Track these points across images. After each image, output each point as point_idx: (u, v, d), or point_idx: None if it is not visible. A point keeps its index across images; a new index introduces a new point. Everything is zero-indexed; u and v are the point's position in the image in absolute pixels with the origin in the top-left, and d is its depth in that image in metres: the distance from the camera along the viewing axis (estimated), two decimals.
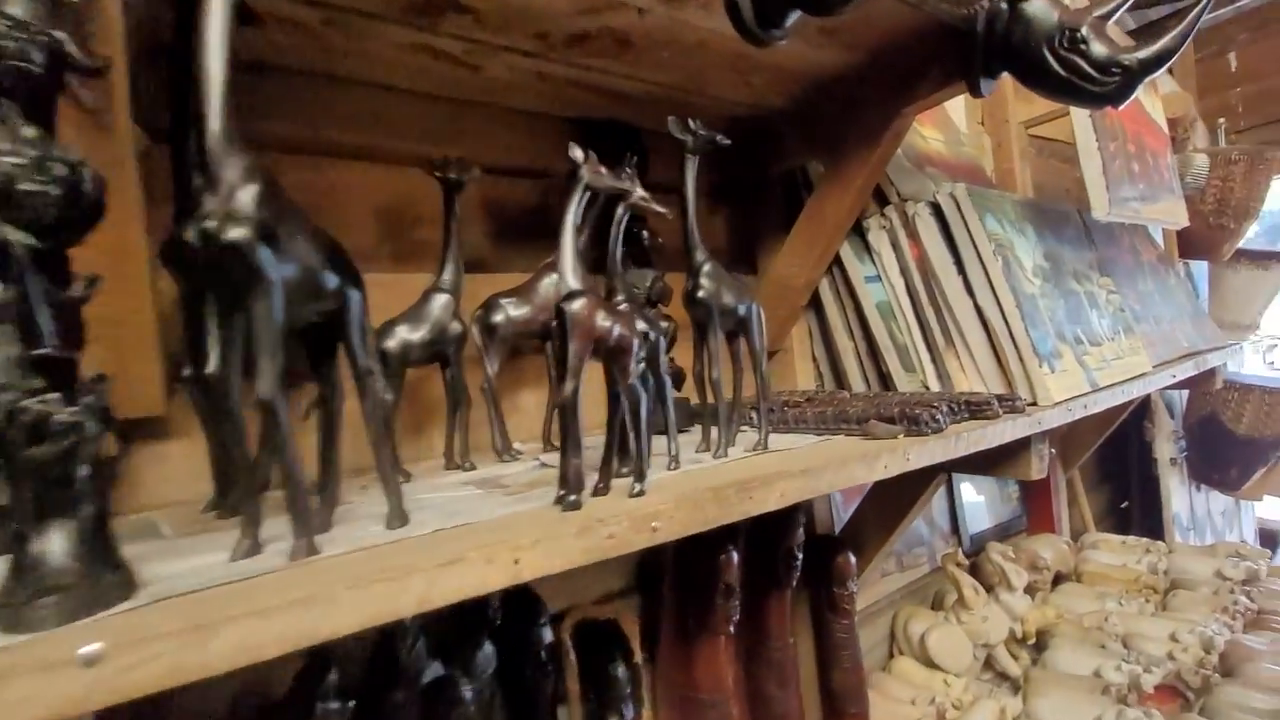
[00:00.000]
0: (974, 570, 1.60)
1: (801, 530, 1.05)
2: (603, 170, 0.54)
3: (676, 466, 0.66)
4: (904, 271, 1.09)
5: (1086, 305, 1.16)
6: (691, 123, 0.75)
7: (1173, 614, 1.53)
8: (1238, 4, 2.45)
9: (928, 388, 1.07)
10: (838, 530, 1.29)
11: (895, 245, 1.10)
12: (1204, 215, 1.62)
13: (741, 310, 0.77)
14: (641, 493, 0.52)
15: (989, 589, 1.47)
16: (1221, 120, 2.38)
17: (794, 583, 1.05)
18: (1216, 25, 2.51)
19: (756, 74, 0.99)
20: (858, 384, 1.18)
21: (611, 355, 0.52)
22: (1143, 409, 2.05)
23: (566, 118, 1.04)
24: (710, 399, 0.74)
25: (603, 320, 0.51)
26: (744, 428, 0.94)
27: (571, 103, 1.00)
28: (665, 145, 1.18)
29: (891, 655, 1.43)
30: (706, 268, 0.76)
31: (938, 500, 1.61)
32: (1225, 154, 1.61)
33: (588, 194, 0.54)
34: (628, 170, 0.85)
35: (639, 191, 0.66)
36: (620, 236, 0.67)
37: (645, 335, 0.67)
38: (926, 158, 1.30)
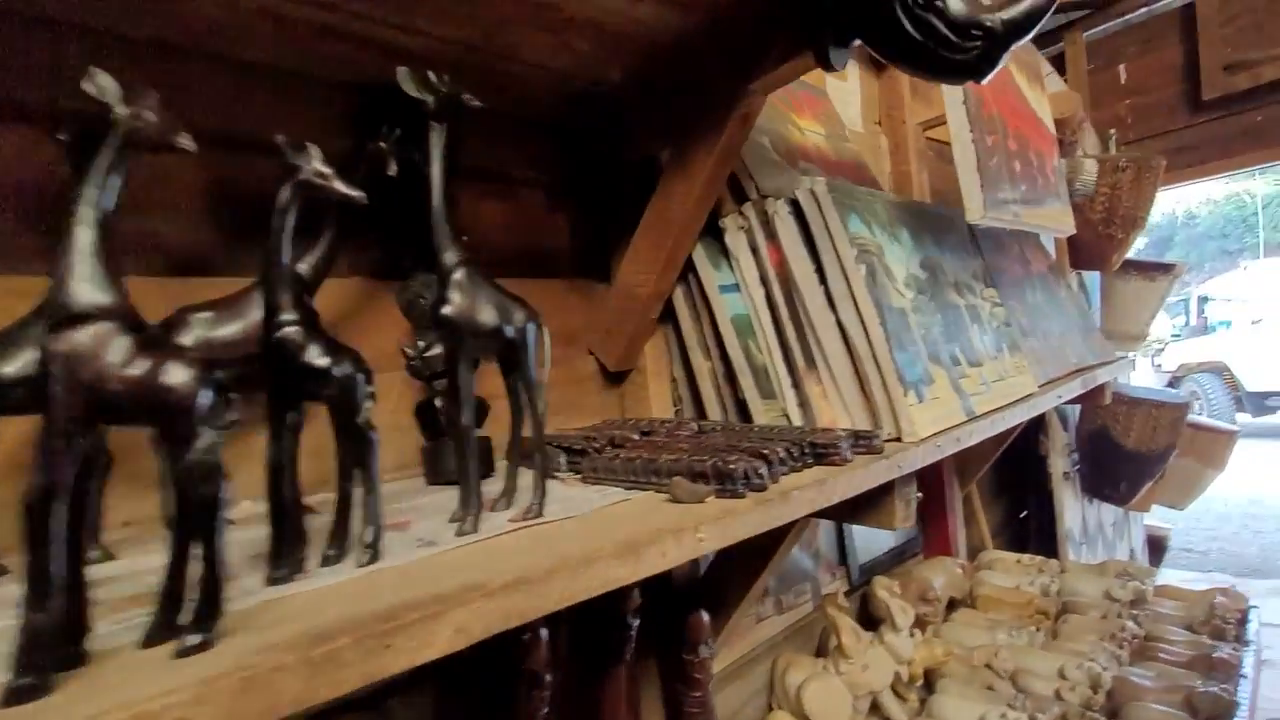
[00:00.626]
0: (864, 604, 1.48)
1: (638, 591, 0.87)
2: (150, 115, 0.33)
3: (372, 559, 0.46)
4: (764, 280, 0.94)
5: (967, 320, 1.04)
6: (432, 77, 0.55)
7: (1062, 643, 1.45)
8: (1127, 17, 2.47)
9: (788, 418, 0.91)
10: (704, 572, 1.12)
11: (754, 249, 0.94)
12: (1093, 224, 1.56)
13: (509, 332, 0.58)
14: (202, 645, 0.31)
15: (879, 625, 1.35)
16: (1112, 131, 2.39)
17: (628, 656, 0.87)
18: (1106, 37, 2.54)
19: (573, 34, 0.80)
20: (714, 411, 1.01)
21: (153, 418, 0.32)
22: (1038, 422, 2.01)
23: (343, 82, 0.82)
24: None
25: (123, 364, 0.30)
26: (562, 474, 0.75)
27: (339, 62, 0.78)
28: (492, 125, 0.99)
29: (771, 708, 1.28)
30: (458, 275, 0.56)
31: (824, 528, 1.48)
32: (1113, 161, 1.55)
33: (123, 153, 0.33)
34: (381, 145, 0.64)
35: (312, 166, 0.46)
36: (287, 230, 0.46)
37: (269, 376, 0.46)
38: (802, 152, 1.15)
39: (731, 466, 0.57)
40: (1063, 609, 1.63)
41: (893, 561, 1.66)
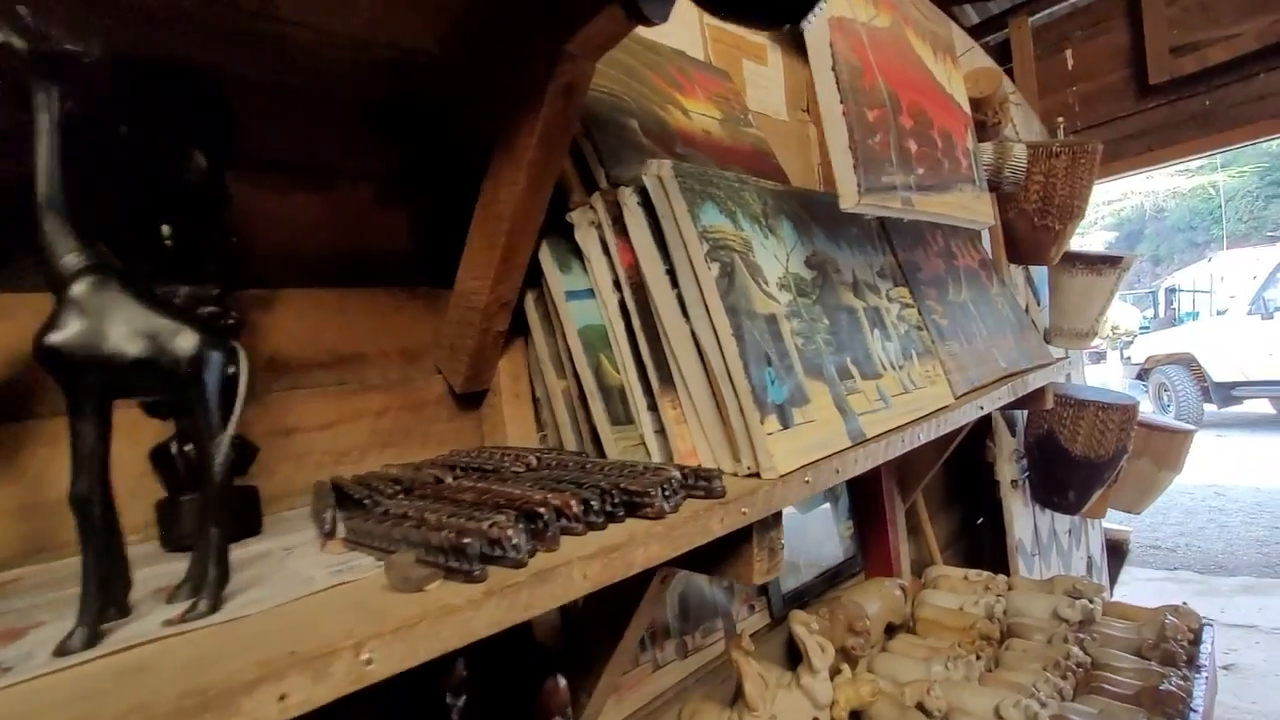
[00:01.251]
0: (790, 638, 1.35)
1: (462, 662, 0.72)
2: None
3: None
4: (617, 284, 0.79)
5: (866, 325, 0.90)
6: (25, 15, 0.40)
7: (1003, 674, 1.33)
8: (1073, 0, 2.38)
9: (646, 448, 0.77)
10: (579, 612, 0.97)
11: (606, 247, 0.80)
12: (1028, 215, 1.45)
13: (165, 364, 0.43)
14: None
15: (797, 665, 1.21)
16: (1060, 119, 2.29)
17: None
18: (1054, 21, 2.44)
19: None
20: (570, 439, 0.87)
21: None
22: (985, 426, 1.89)
23: None
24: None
25: None
26: (338, 532, 0.60)
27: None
28: (294, 104, 0.84)
29: None
30: (79, 289, 0.41)
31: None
32: (1046, 147, 1.44)
33: None
34: None
35: None
36: None
37: None
38: (684, 136, 1.01)
39: (465, 540, 0.42)
40: (1008, 631, 1.51)
41: (825, 586, 1.52)
